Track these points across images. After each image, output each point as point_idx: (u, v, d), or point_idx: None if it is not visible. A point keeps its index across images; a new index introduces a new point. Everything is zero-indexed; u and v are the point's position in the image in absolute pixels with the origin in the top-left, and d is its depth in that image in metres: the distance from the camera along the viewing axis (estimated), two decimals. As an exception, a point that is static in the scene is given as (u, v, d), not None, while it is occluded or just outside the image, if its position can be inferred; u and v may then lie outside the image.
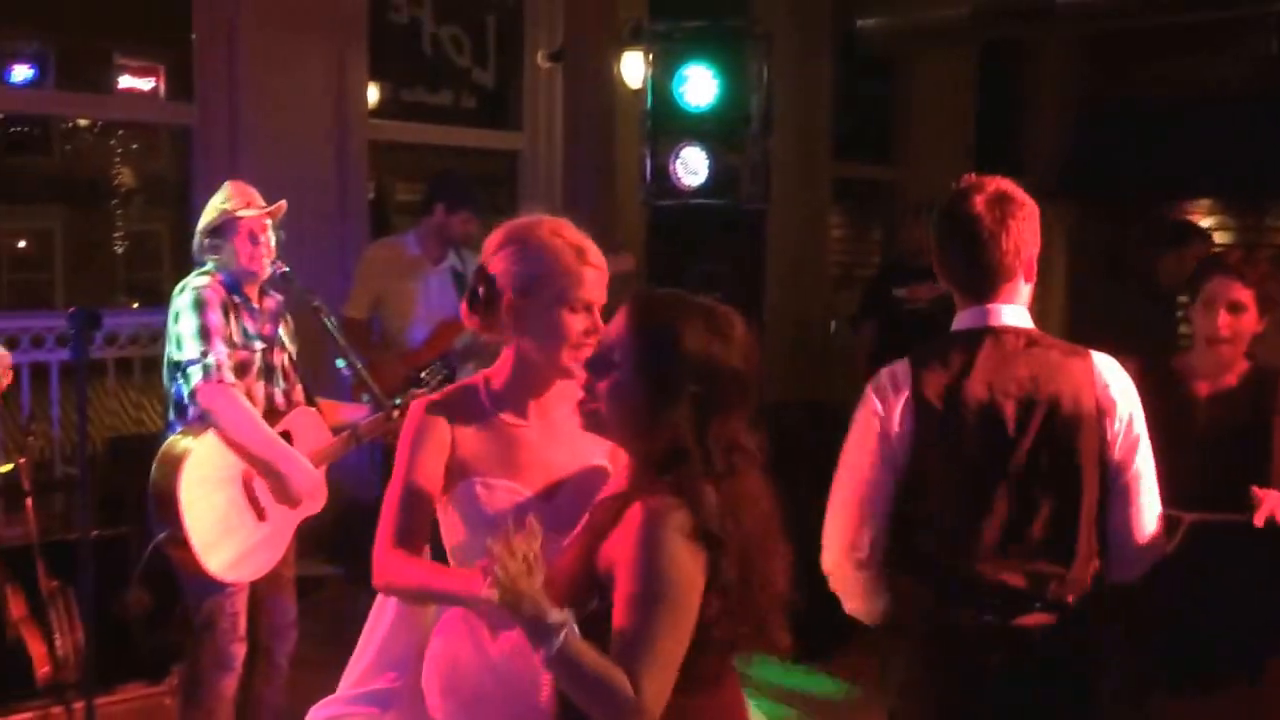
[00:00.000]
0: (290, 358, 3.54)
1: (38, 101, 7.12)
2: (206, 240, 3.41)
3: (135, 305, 11.20)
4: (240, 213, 3.36)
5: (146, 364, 5.56)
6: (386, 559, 2.13)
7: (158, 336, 5.38)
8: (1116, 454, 2.32)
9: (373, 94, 6.17)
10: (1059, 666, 2.34)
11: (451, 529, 2.22)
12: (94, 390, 5.50)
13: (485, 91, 6.78)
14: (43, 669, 4.09)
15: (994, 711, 2.34)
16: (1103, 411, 2.31)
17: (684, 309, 1.90)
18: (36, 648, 4.08)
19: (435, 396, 2.25)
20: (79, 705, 4.14)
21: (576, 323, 2.16)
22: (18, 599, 4.12)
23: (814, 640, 3.24)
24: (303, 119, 5.74)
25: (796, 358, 7.33)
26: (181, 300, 3.30)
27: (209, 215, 3.41)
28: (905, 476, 2.35)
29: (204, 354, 3.22)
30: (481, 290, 2.21)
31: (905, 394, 2.34)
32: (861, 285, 7.19)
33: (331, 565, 5.13)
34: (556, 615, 1.72)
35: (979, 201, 2.33)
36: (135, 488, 3.72)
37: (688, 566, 1.78)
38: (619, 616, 1.77)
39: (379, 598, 2.30)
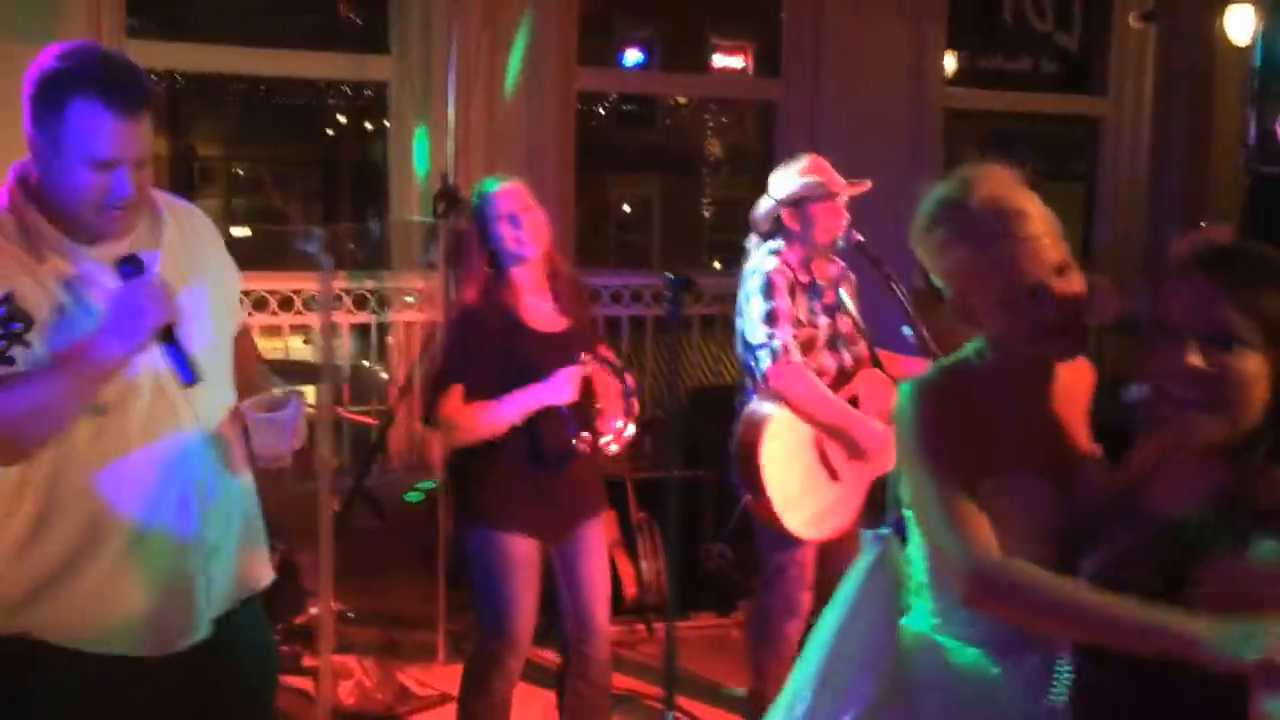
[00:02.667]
0: (855, 320, 3.56)
1: (646, 82, 7.79)
2: (787, 209, 3.45)
3: (717, 265, 11.94)
4: (834, 188, 3.39)
5: (728, 321, 5.99)
6: (998, 569, 1.69)
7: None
8: None
9: (949, 63, 6.14)
10: None
11: None
12: (681, 343, 6.03)
13: (1067, 56, 6.49)
14: (630, 590, 4.61)
15: None
16: None
17: None
18: (626, 571, 4.60)
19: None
20: (659, 626, 4.63)
21: None
22: (612, 526, 4.67)
23: None
24: (880, 91, 5.84)
25: None
26: (752, 284, 3.40)
27: (789, 186, 3.46)
28: None
29: (771, 337, 3.32)
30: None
31: None
32: None
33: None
34: None
35: None
36: (712, 435, 4.03)
37: None
38: None
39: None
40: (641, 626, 4.60)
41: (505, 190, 3.13)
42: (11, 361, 1.52)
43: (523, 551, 3.09)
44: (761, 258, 3.44)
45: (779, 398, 3.36)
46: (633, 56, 8.66)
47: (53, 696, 2.02)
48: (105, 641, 2.04)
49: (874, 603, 1.95)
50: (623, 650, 4.53)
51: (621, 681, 3.85)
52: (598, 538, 3.27)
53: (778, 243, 3.46)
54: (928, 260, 1.86)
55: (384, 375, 5.73)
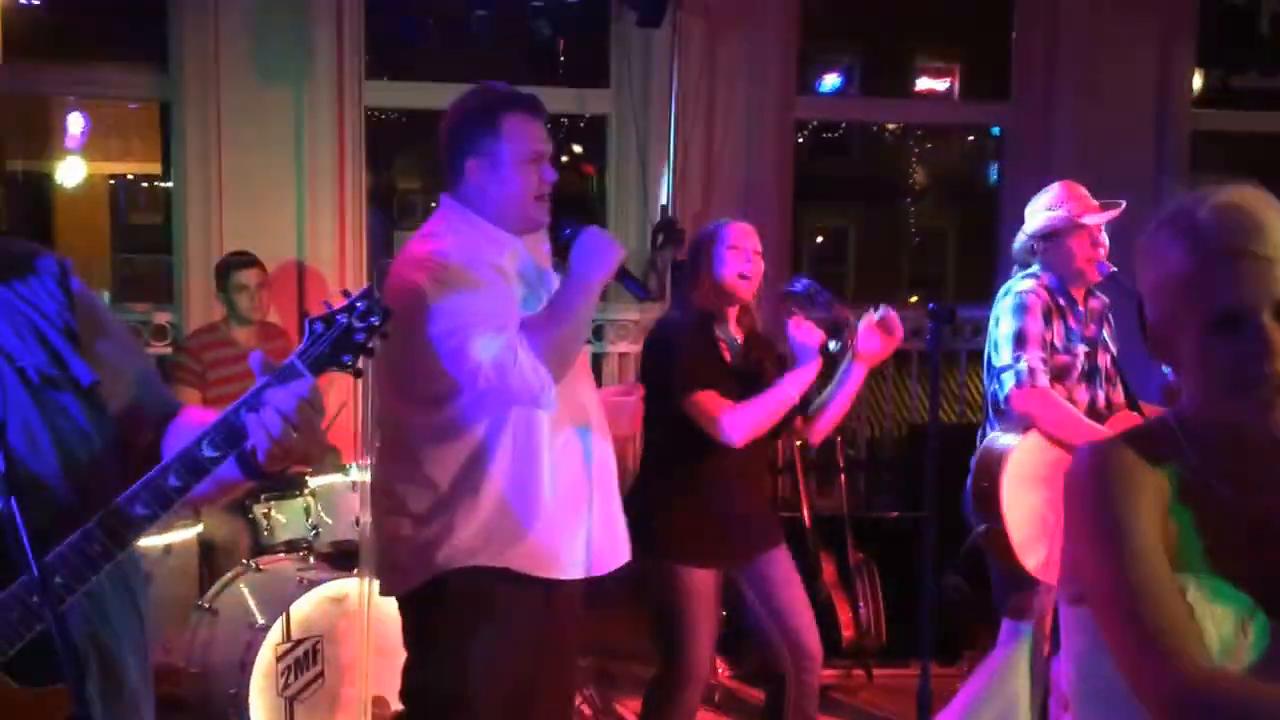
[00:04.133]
0: (1113, 360, 3.45)
1: (863, 109, 7.55)
2: (1038, 242, 3.41)
3: (914, 300, 11.73)
4: (1085, 218, 3.33)
5: (952, 356, 5.81)
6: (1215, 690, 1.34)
7: (956, 331, 5.62)
8: None
9: (1196, 81, 5.82)
10: None
11: None
12: (898, 378, 5.89)
13: (1329, 72, 6.06)
14: (847, 633, 4.49)
15: None
16: None
17: None
18: (843, 612, 4.49)
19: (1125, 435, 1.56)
20: (879, 672, 4.50)
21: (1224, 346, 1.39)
22: (829, 565, 4.57)
23: None
24: (1120, 112, 5.57)
25: None
26: (1004, 305, 3.36)
27: (1042, 216, 3.40)
28: None
29: (1018, 359, 3.26)
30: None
31: None
32: None
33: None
34: None
35: None
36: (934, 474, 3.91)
37: None
38: None
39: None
40: (860, 671, 4.48)
41: (740, 226, 3.26)
42: (371, 353, 1.60)
43: (701, 583, 3.14)
44: (1016, 282, 3.40)
45: (1024, 424, 3.27)
46: (831, 81, 8.48)
47: (514, 609, 2.55)
48: (552, 566, 2.56)
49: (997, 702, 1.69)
50: (840, 696, 4.43)
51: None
52: (788, 566, 3.30)
53: (1034, 268, 3.42)
54: (1140, 270, 1.52)
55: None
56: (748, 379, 3.17)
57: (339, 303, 1.59)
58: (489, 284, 2.49)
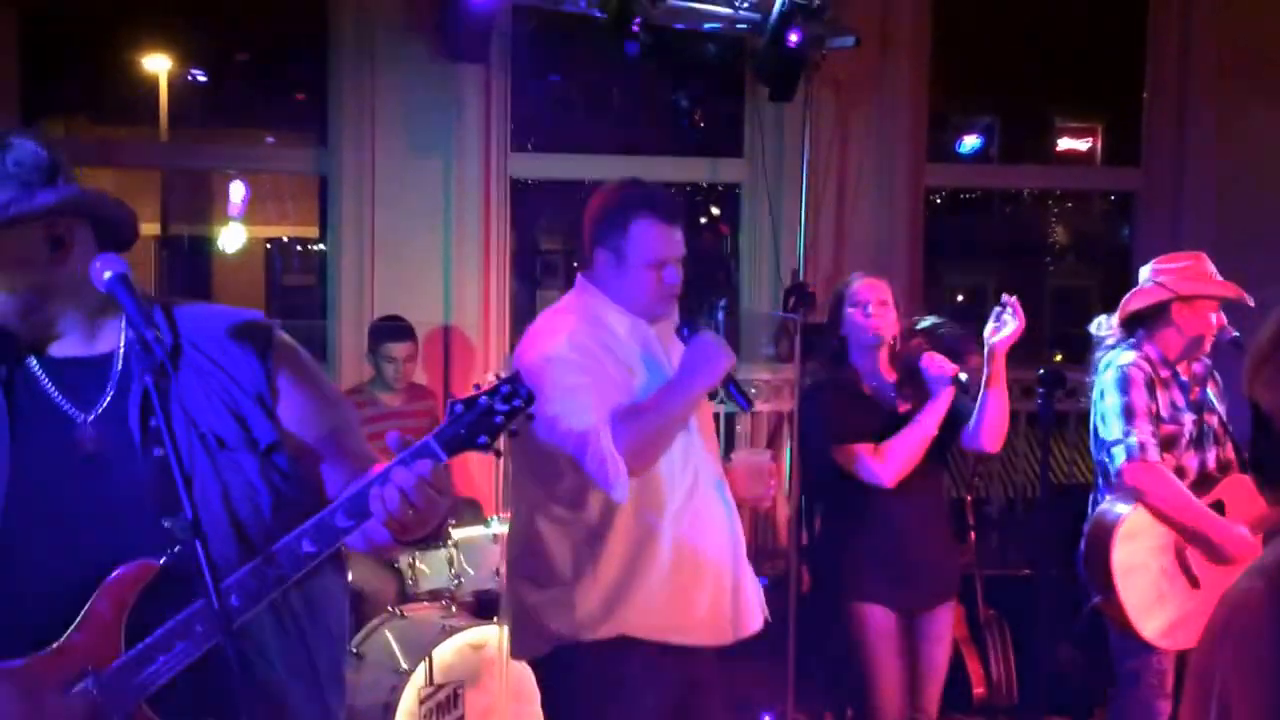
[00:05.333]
0: (1220, 419, 3.44)
1: (992, 175, 7.62)
2: (1177, 302, 3.38)
3: (1058, 358, 11.46)
4: (1229, 295, 3.34)
5: (1077, 417, 5.75)
6: None
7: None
8: None
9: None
10: None
11: None
12: (1032, 438, 5.83)
13: None
14: (978, 690, 4.48)
15: None
16: None
17: None
18: (974, 668, 4.48)
19: None
20: (1010, 730, 4.47)
21: None
22: (960, 621, 4.57)
23: None
24: (1250, 176, 5.48)
25: None
26: (1106, 378, 3.37)
27: (1181, 277, 3.40)
28: None
29: (1127, 434, 3.27)
30: None
31: None
32: None
33: None
34: None
35: None
36: (1059, 534, 3.92)
37: None
38: None
39: None
40: (991, 729, 4.46)
41: (867, 283, 3.42)
42: (514, 433, 1.67)
43: (880, 621, 3.25)
44: (1119, 353, 3.41)
45: (1135, 497, 3.28)
46: (970, 142, 8.49)
47: (646, 680, 2.58)
48: (680, 632, 2.60)
49: None
50: (972, 753, 4.41)
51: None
52: (947, 623, 3.38)
53: (1136, 337, 3.43)
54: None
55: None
56: (907, 418, 3.30)
57: (488, 385, 1.64)
58: (595, 368, 2.55)
